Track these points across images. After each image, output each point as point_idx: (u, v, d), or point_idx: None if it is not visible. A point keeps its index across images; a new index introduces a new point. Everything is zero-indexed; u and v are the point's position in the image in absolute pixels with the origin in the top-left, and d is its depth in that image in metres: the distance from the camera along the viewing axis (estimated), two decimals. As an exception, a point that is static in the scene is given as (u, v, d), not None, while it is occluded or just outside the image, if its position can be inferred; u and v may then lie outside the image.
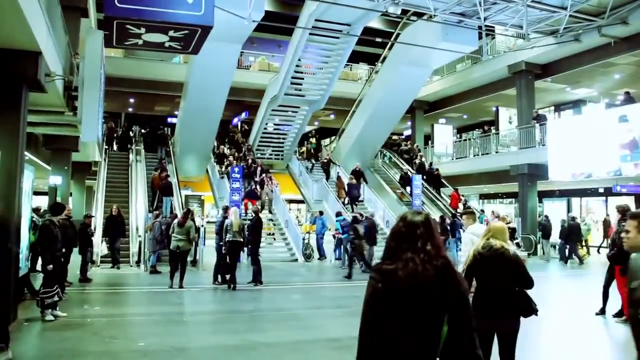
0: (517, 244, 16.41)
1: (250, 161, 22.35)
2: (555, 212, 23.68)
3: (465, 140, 27.11)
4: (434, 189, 23.58)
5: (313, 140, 27.17)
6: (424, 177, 23.34)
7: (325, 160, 24.23)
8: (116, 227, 15.04)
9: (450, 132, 29.16)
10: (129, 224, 17.34)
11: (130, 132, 24.59)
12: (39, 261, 9.26)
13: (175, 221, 12.52)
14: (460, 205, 21.76)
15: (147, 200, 18.32)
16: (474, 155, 24.81)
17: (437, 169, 24.50)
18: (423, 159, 24.95)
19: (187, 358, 6.38)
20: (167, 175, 19.02)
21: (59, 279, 8.69)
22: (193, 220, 15.45)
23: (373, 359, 2.09)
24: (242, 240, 12.02)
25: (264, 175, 21.22)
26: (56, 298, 8.27)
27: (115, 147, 23.43)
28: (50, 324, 7.97)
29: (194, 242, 13.45)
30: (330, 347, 6.83)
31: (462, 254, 7.29)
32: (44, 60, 8.38)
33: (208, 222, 21.65)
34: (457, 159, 26.32)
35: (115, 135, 23.86)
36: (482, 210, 22.57)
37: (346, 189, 21.51)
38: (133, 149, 22.61)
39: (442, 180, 23.97)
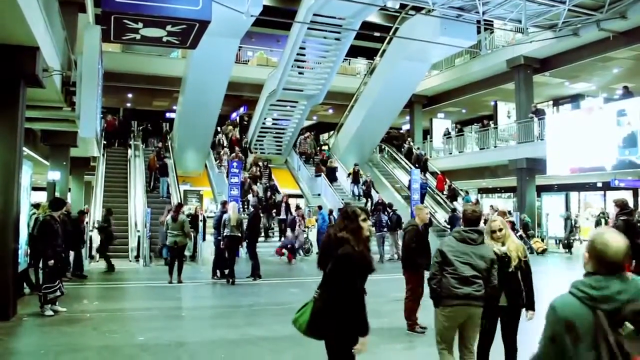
0: (520, 237, 16.49)
1: (269, 194, 20.34)
2: (553, 206, 23.74)
3: (455, 136, 27.12)
4: (422, 173, 23.85)
5: (326, 147, 26.27)
6: (413, 161, 24.46)
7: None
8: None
9: (450, 127, 29.17)
10: (128, 218, 17.37)
11: (132, 126, 24.56)
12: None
13: (169, 217, 12.45)
14: (446, 188, 22.96)
15: (146, 197, 18.35)
16: (481, 149, 24.82)
17: (425, 154, 25.50)
18: (412, 144, 26.02)
19: (187, 352, 6.40)
20: (163, 157, 19.69)
21: (60, 274, 8.71)
22: (197, 215, 15.58)
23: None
24: (240, 235, 12.05)
25: (295, 214, 17.81)
26: (58, 293, 8.29)
27: (115, 144, 22.95)
28: (49, 319, 7.99)
29: (191, 236, 13.45)
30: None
31: None
32: (42, 55, 8.37)
33: (208, 217, 21.63)
34: (450, 154, 26.35)
35: (114, 127, 23.33)
36: (467, 192, 22.77)
37: (325, 171, 22.90)
38: (132, 145, 22.63)
39: (430, 164, 24.97)
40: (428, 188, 22.65)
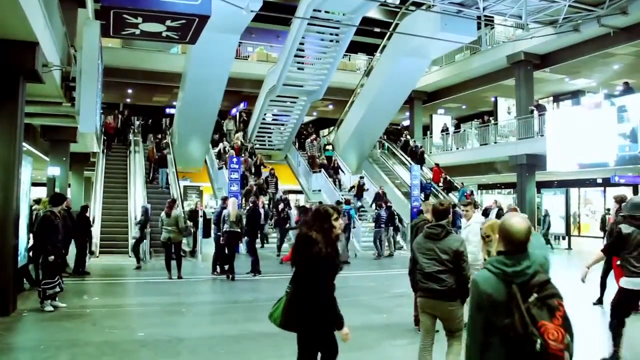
0: None
1: (281, 206, 17.54)
2: (553, 203, 23.72)
3: (452, 132, 27.14)
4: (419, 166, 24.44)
5: (330, 147, 24.96)
6: (408, 154, 25.20)
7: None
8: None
9: (449, 123, 29.17)
10: (127, 214, 17.34)
11: (132, 123, 24.47)
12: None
13: (163, 212, 12.36)
14: (442, 180, 23.22)
15: (146, 192, 18.34)
16: (481, 145, 24.81)
17: (422, 146, 25.79)
18: (408, 137, 26.47)
19: (187, 348, 6.40)
20: (162, 148, 20.06)
21: (59, 270, 8.71)
22: (197, 211, 15.47)
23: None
24: (239, 230, 12.03)
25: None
26: (57, 289, 8.29)
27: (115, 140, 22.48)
28: (49, 314, 7.99)
29: (188, 232, 13.36)
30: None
31: (473, 244, 6.55)
32: (41, 50, 8.35)
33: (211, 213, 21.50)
34: (450, 150, 26.35)
35: (115, 130, 22.46)
36: (462, 184, 22.82)
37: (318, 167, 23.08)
38: (131, 140, 22.62)
39: (426, 157, 25.38)
40: (432, 189, 22.61)
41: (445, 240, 4.53)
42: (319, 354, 3.97)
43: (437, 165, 24.10)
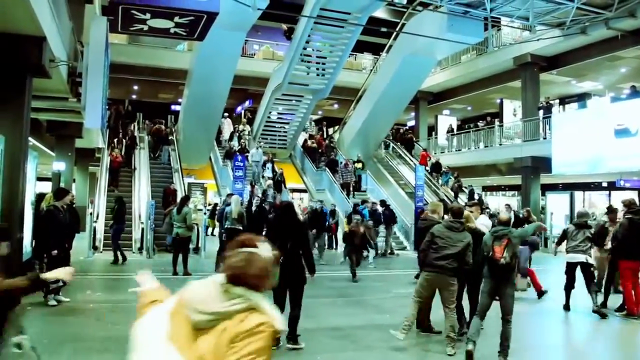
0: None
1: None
2: (558, 205, 23.68)
3: (456, 133, 27.17)
4: (407, 150, 25.55)
5: (359, 165, 22.78)
6: (397, 140, 26.57)
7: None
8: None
9: (454, 124, 29.12)
10: (132, 210, 17.35)
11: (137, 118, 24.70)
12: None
13: (174, 208, 12.50)
14: (430, 164, 23.93)
15: (150, 187, 18.37)
16: (485, 147, 24.77)
17: (411, 132, 26.98)
18: (396, 126, 27.67)
19: (189, 345, 6.39)
20: (167, 127, 21.93)
21: (63, 264, 8.73)
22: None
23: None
24: (241, 228, 12.03)
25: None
26: (60, 283, 8.29)
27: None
28: (53, 309, 8.02)
29: (194, 229, 13.48)
30: (331, 335, 6.85)
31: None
32: (48, 45, 8.36)
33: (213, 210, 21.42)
34: (457, 150, 26.34)
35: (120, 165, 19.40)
36: (448, 167, 23.08)
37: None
38: (137, 137, 22.67)
39: (415, 143, 26.53)
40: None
41: (462, 233, 6.06)
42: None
43: (425, 150, 24.88)
